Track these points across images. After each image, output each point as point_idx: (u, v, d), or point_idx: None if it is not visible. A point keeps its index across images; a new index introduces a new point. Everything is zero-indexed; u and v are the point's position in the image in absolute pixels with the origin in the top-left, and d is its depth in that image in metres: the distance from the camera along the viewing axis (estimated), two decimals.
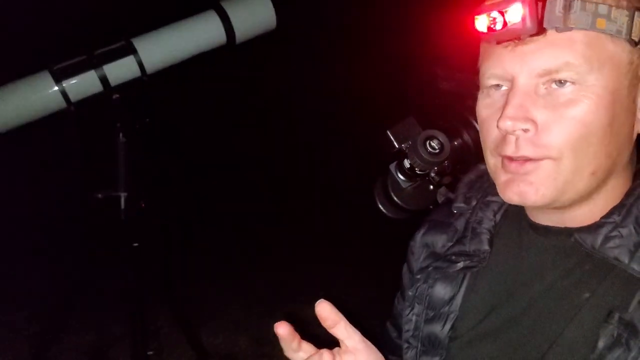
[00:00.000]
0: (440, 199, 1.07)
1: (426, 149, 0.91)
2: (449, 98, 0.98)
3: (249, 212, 5.10)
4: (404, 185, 0.99)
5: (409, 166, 0.95)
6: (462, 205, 0.90)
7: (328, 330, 0.73)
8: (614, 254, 0.69)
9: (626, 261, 0.68)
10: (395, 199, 1.07)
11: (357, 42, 4.97)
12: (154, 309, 2.67)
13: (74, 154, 4.28)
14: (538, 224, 0.80)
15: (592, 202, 0.74)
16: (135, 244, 2.46)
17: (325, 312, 0.73)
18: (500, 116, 0.69)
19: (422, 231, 0.97)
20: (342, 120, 5.25)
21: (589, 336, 0.68)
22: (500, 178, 0.74)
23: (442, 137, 0.92)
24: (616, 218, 0.71)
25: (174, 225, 4.33)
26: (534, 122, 0.68)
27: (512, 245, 0.83)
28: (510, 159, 0.72)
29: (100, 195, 2.46)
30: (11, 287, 3.38)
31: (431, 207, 1.12)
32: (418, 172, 0.95)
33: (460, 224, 0.90)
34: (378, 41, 4.71)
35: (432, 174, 0.97)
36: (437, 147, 0.92)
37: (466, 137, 0.97)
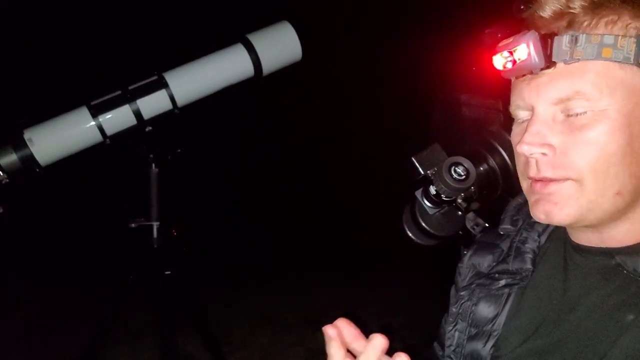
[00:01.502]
0: (469, 224, 1.08)
1: (451, 175, 0.93)
2: (472, 124, 1.00)
3: (278, 238, 5.13)
4: (430, 212, 1.01)
5: (434, 193, 0.96)
6: (508, 227, 0.93)
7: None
8: None
9: None
10: (423, 225, 1.08)
11: (381, 69, 5.04)
12: (184, 334, 2.69)
13: (108, 185, 4.42)
14: (580, 244, 0.82)
15: (629, 222, 0.75)
16: (167, 272, 2.51)
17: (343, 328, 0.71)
18: (519, 141, 0.75)
19: (469, 253, 1.00)
20: (368, 146, 5.29)
21: (634, 358, 0.69)
22: (531, 199, 0.79)
23: (468, 164, 0.94)
24: None
25: (204, 252, 4.39)
26: (550, 146, 0.73)
27: (556, 267, 0.85)
28: (535, 180, 0.76)
29: (133, 225, 2.53)
30: (45, 316, 3.47)
31: (460, 232, 1.12)
32: (444, 198, 0.96)
33: (505, 244, 0.93)
34: (402, 69, 4.77)
35: (459, 200, 0.98)
36: (462, 174, 0.93)
37: (491, 162, 0.98)
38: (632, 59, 0.69)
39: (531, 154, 0.74)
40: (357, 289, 4.16)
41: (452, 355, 0.92)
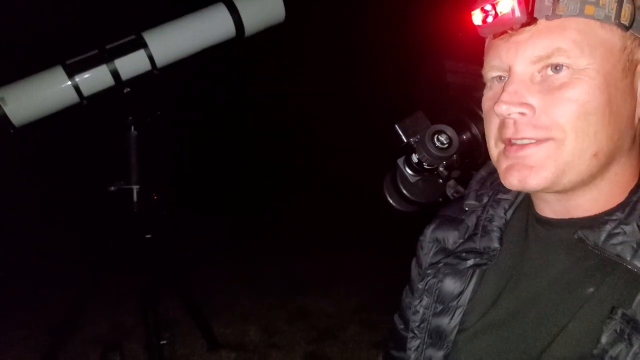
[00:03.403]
0: (449, 191, 1.07)
1: (434, 143, 0.91)
2: (456, 91, 0.99)
3: (259, 204, 5.13)
4: (412, 179, 1.00)
5: (417, 161, 0.95)
6: (473, 202, 0.91)
7: None
8: (616, 251, 0.69)
9: (628, 258, 0.68)
10: (404, 192, 1.08)
11: (365, 36, 4.96)
12: (166, 300, 2.71)
13: (86, 147, 4.33)
14: (543, 217, 0.81)
15: (596, 189, 0.74)
16: (148, 236, 2.49)
17: None
18: (497, 102, 0.72)
19: (432, 226, 0.98)
20: (351, 113, 5.26)
21: (592, 330, 0.69)
22: (502, 165, 0.76)
23: (451, 132, 0.92)
24: (620, 215, 0.72)
25: (185, 217, 4.38)
26: (530, 106, 0.71)
27: (519, 240, 0.84)
28: (510, 143, 0.73)
29: (112, 188, 2.49)
30: (26, 279, 3.45)
31: (440, 199, 1.12)
32: (426, 166, 0.95)
33: (471, 220, 0.91)
34: (385, 35, 4.70)
35: (441, 168, 0.98)
36: (445, 142, 0.92)
37: (474, 130, 0.97)
38: (612, 18, 0.67)
39: (509, 114, 0.71)
40: (341, 257, 4.22)
41: (416, 331, 0.91)
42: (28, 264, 3.69)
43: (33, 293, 3.35)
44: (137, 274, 2.44)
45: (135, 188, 2.49)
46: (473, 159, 1.00)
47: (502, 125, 0.74)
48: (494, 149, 0.78)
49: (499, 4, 0.71)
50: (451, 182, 1.06)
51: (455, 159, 0.96)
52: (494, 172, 0.93)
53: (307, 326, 3.23)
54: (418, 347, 0.91)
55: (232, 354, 2.91)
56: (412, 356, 0.92)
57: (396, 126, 0.99)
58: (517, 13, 0.69)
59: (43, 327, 2.90)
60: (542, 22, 0.70)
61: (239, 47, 2.43)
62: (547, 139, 0.71)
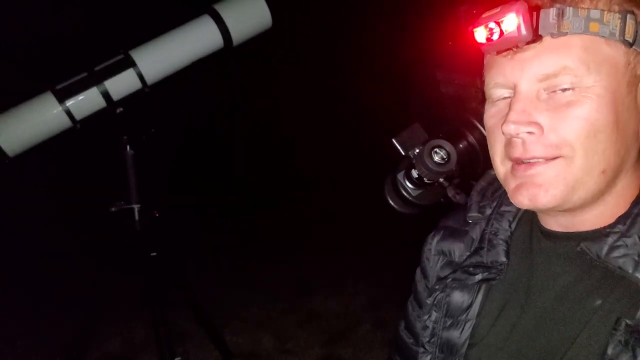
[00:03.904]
0: (450, 193, 1.06)
1: (433, 159, 0.91)
2: (451, 101, 0.98)
3: (263, 212, 5.13)
4: (413, 193, 0.99)
5: (417, 176, 0.94)
6: (476, 214, 0.91)
7: None
8: (618, 263, 0.70)
9: (630, 271, 0.68)
10: (405, 195, 1.07)
11: (358, 47, 4.95)
12: (176, 313, 2.71)
13: (84, 170, 4.32)
14: (548, 229, 0.81)
15: (603, 204, 0.74)
16: (153, 254, 2.49)
17: None
18: (504, 121, 0.71)
19: (436, 238, 0.98)
20: (346, 125, 5.25)
21: (600, 341, 0.69)
22: (511, 185, 0.75)
23: (448, 146, 0.91)
24: (621, 227, 0.72)
25: (189, 230, 4.38)
26: (538, 125, 0.70)
27: (524, 252, 0.84)
28: (519, 162, 0.73)
29: (113, 209, 2.48)
30: (34, 302, 3.45)
31: (442, 199, 1.12)
32: (427, 181, 0.94)
33: (475, 233, 0.91)
34: (378, 46, 4.69)
35: (441, 179, 0.97)
36: (444, 157, 0.91)
37: (471, 139, 0.96)
38: (617, 35, 0.67)
39: (518, 134, 0.70)
40: (347, 257, 4.21)
41: (427, 346, 0.91)
42: (34, 285, 3.70)
43: (39, 315, 3.35)
44: (145, 293, 2.45)
45: (136, 207, 2.48)
46: (472, 167, 0.99)
47: (509, 144, 0.73)
48: (501, 167, 0.77)
49: (504, 22, 0.69)
50: (452, 186, 1.05)
51: (454, 169, 0.96)
52: (493, 182, 0.93)
53: (318, 329, 3.24)
54: None
55: None
56: None
57: (393, 140, 0.98)
58: (523, 31, 0.68)
59: (55, 348, 2.90)
60: (547, 40, 0.69)
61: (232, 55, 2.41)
62: (556, 157, 0.70)
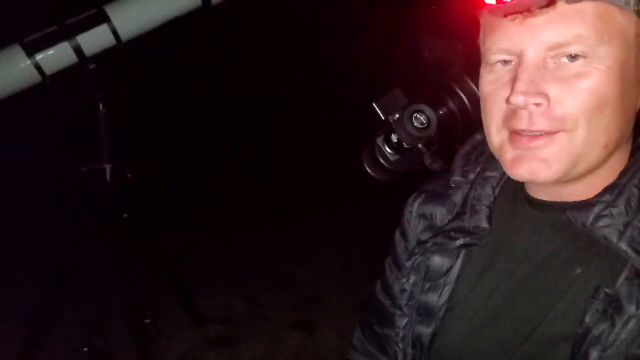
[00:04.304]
0: (427, 160, 1.07)
1: (413, 123, 0.90)
2: (433, 67, 0.97)
3: (240, 176, 5.08)
4: (392, 158, 0.99)
5: (396, 141, 0.94)
6: (460, 178, 0.90)
7: None
8: (603, 232, 0.70)
9: (614, 240, 0.69)
10: (382, 161, 1.07)
11: (341, 12, 4.86)
12: (149, 278, 2.70)
13: (55, 128, 4.20)
14: (534, 198, 0.80)
15: (595, 176, 0.73)
16: (125, 215, 2.46)
17: None
18: (512, 91, 0.68)
19: (418, 200, 0.96)
20: (328, 89, 5.19)
21: (578, 310, 0.70)
22: (507, 155, 0.73)
23: (429, 111, 0.91)
24: (608, 197, 0.71)
25: (162, 193, 4.33)
26: (545, 95, 0.67)
27: (507, 218, 0.84)
28: (520, 134, 0.71)
29: (85, 169, 2.43)
30: (2, 265, 3.38)
31: (418, 167, 1.12)
32: (406, 146, 0.94)
33: (458, 197, 0.90)
34: (361, 12, 4.61)
35: (420, 145, 0.97)
36: (424, 122, 0.91)
37: (451, 105, 0.96)
38: (631, 4, 0.65)
39: (527, 105, 0.67)
40: (323, 225, 4.23)
41: (404, 309, 0.91)
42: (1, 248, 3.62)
43: (8, 278, 3.29)
44: (117, 254, 2.42)
45: (107, 167, 2.44)
46: (451, 134, 0.99)
47: (514, 115, 0.70)
48: (496, 135, 0.75)
49: None
50: (428, 153, 1.05)
51: (434, 135, 0.96)
52: (477, 146, 0.92)
53: (292, 294, 3.27)
54: (406, 324, 0.92)
55: (218, 327, 2.93)
56: (401, 334, 0.92)
57: (374, 104, 0.97)
58: None
59: (23, 314, 2.86)
60: (560, 5, 0.65)
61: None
62: (558, 131, 0.68)
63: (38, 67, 2.06)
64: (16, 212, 3.90)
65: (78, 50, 2.11)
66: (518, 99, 0.67)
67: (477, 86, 0.79)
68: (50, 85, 2.15)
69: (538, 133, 0.69)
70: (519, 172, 0.72)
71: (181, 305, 2.88)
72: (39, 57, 2.06)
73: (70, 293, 2.51)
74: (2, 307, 2.99)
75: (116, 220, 2.42)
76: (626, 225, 0.69)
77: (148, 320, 2.44)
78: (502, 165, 0.75)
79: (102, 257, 2.54)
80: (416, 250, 0.91)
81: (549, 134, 0.69)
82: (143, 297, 2.44)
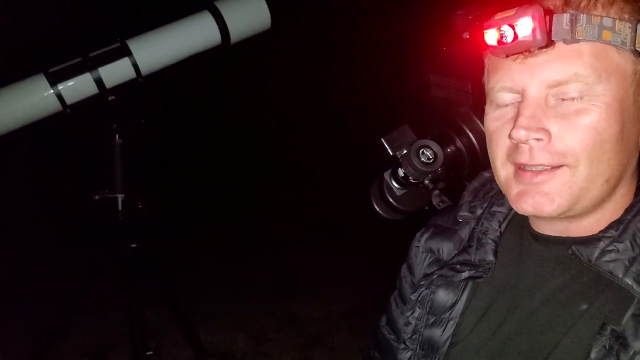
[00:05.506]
0: (435, 200, 1.08)
1: (420, 158, 0.92)
2: (441, 105, 0.99)
3: (247, 210, 5.10)
4: (398, 192, 1.00)
5: (403, 175, 0.95)
6: (467, 214, 0.91)
7: None
8: (609, 267, 0.70)
9: (620, 275, 0.69)
10: (390, 200, 1.08)
11: (353, 50, 4.99)
12: (153, 308, 2.68)
13: (71, 156, 4.28)
14: (539, 233, 0.81)
15: (601, 212, 0.75)
16: (133, 245, 2.47)
17: None
18: (514, 126, 0.71)
19: (425, 235, 0.98)
20: (338, 124, 5.27)
21: (584, 347, 0.70)
22: (513, 190, 0.75)
23: (435, 147, 0.93)
24: (614, 233, 0.72)
25: (172, 225, 4.34)
26: (546, 131, 0.70)
27: (513, 254, 0.84)
28: (524, 169, 0.72)
29: (97, 197, 2.46)
30: (10, 289, 3.39)
31: (426, 207, 1.13)
32: (412, 180, 0.96)
33: (465, 232, 0.91)
34: (373, 49, 4.73)
35: (426, 181, 0.98)
36: (430, 157, 0.93)
37: (459, 143, 0.98)
38: (628, 44, 0.68)
39: (527, 140, 0.70)
40: (329, 261, 4.20)
41: (407, 342, 0.91)
42: (10, 273, 3.63)
43: (15, 302, 3.29)
44: (123, 284, 2.42)
45: (120, 197, 2.47)
46: (458, 171, 1.00)
47: (516, 150, 0.73)
48: (502, 170, 0.77)
49: (518, 26, 0.68)
50: (436, 192, 1.06)
51: (440, 172, 0.97)
52: (486, 183, 0.94)
53: (295, 332, 3.22)
54: (409, 359, 0.91)
55: None
56: None
57: (382, 140, 0.99)
58: (538, 36, 0.67)
59: (27, 339, 2.84)
60: (559, 46, 0.68)
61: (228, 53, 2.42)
62: (560, 166, 0.70)
63: (60, 96, 2.13)
64: (24, 234, 3.93)
65: (99, 81, 2.17)
66: (520, 134, 0.70)
67: (483, 123, 0.81)
68: (70, 114, 2.22)
69: (541, 168, 0.71)
70: (523, 206, 0.73)
71: (184, 338, 2.85)
72: (61, 87, 2.13)
73: (75, 319, 2.50)
74: (9, 329, 2.98)
75: (124, 249, 2.43)
76: (632, 260, 0.69)
77: (150, 352, 2.41)
78: (508, 199, 0.77)
79: (107, 286, 2.54)
80: (422, 283, 0.91)
81: (552, 168, 0.70)
82: (147, 327, 2.41)
